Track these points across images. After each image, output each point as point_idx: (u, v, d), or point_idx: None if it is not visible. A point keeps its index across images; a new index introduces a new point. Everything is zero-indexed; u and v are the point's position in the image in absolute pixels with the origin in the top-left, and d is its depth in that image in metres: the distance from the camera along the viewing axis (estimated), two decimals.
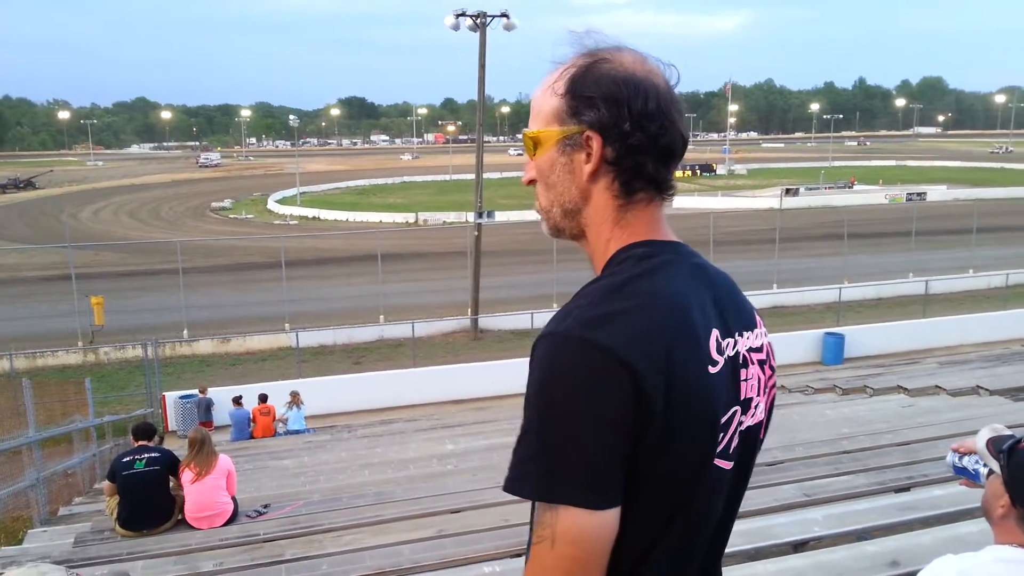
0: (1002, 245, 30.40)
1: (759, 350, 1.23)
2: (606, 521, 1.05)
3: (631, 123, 1.12)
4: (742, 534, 4.02)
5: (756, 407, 1.21)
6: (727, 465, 1.15)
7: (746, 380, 1.19)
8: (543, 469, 1.05)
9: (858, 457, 6.19)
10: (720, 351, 1.13)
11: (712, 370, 1.11)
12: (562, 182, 1.19)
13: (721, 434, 1.12)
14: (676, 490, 1.11)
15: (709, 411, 1.10)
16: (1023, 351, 15.31)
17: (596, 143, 1.14)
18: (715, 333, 1.13)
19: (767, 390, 1.26)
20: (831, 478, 5.57)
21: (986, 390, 10.11)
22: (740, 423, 1.17)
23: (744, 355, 1.19)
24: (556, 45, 1.17)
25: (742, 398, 1.17)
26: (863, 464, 5.88)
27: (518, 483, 1.06)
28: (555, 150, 1.18)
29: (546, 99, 1.18)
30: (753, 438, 1.22)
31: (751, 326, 1.23)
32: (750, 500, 4.83)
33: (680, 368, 1.06)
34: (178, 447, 9.05)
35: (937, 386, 10.85)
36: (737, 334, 1.19)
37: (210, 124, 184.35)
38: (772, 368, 1.28)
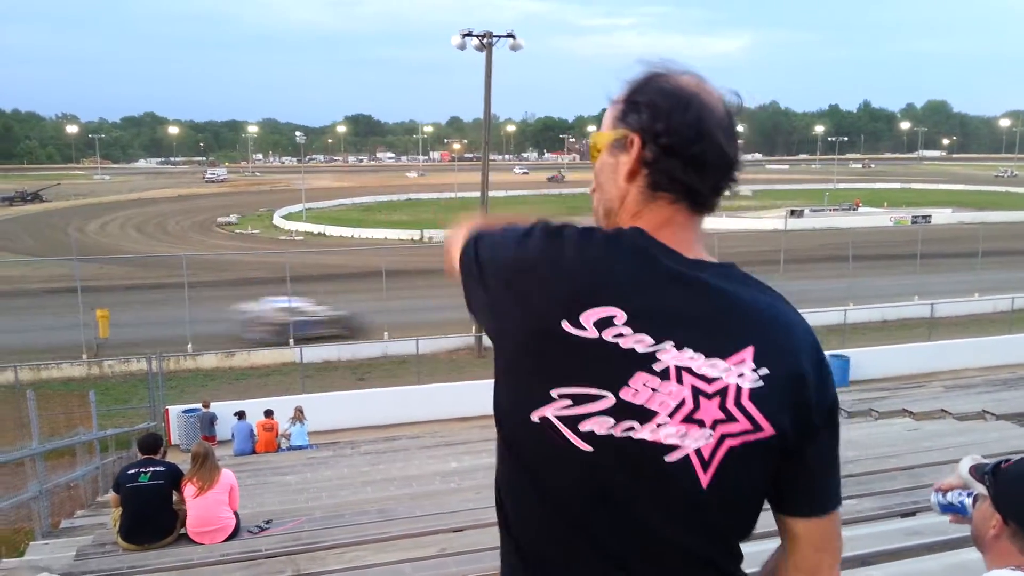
0: (1008, 269, 30.32)
1: (707, 380, 1.13)
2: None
3: (667, 127, 1.19)
4: (744, 557, 3.99)
5: (663, 428, 1.13)
6: (578, 442, 1.15)
7: (653, 390, 1.13)
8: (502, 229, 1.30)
9: (863, 481, 6.17)
10: (601, 327, 1.13)
11: (567, 327, 1.14)
12: (607, 183, 1.28)
13: (568, 401, 1.16)
14: (509, 416, 1.28)
15: (535, 350, 1.18)
16: None
17: (636, 144, 1.21)
18: (612, 311, 1.13)
19: (701, 428, 1.14)
20: None
21: (992, 414, 10.06)
22: (628, 426, 1.13)
23: (668, 367, 1.13)
24: (631, 66, 1.26)
25: (627, 399, 1.13)
26: (868, 488, 5.85)
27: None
28: (606, 153, 1.27)
29: (608, 108, 1.28)
30: (650, 457, 1.14)
31: (713, 353, 1.14)
32: None
33: (534, 296, 1.18)
34: (181, 461, 9.03)
35: (943, 410, 10.80)
36: (672, 344, 1.13)
37: (217, 140, 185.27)
38: (727, 413, 1.14)
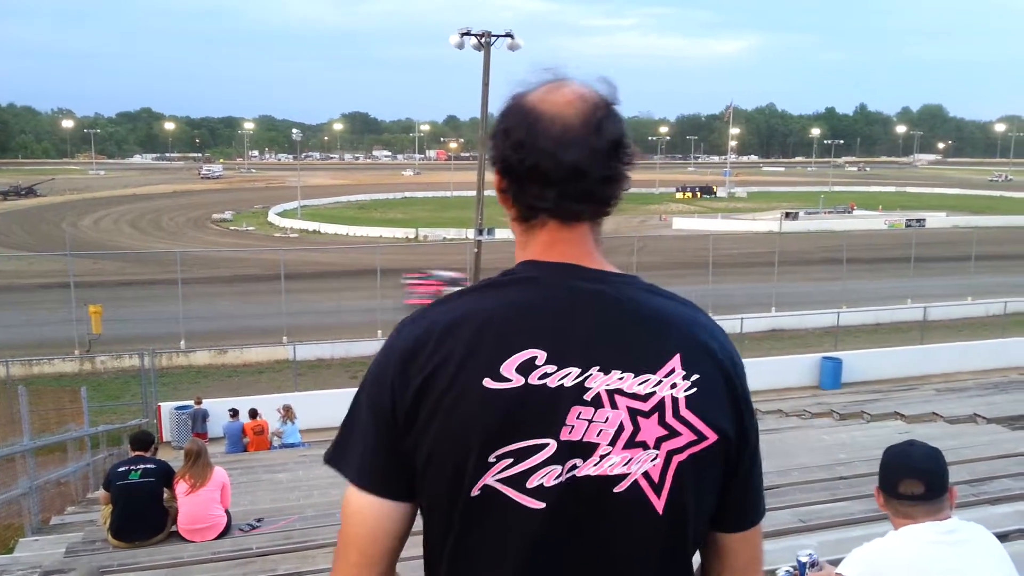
0: (1001, 273, 30.43)
1: (641, 398, 1.09)
2: (375, 509, 1.13)
3: (507, 149, 1.14)
4: None
5: (606, 459, 1.08)
6: (528, 502, 1.08)
7: (589, 421, 1.07)
8: (337, 439, 1.19)
9: (854, 483, 6.17)
10: (525, 372, 1.06)
11: (489, 384, 1.06)
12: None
13: (509, 460, 1.07)
14: (440, 504, 1.12)
15: (462, 421, 1.07)
16: (1021, 379, 15.31)
17: (497, 175, 1.18)
18: (531, 353, 1.07)
19: (646, 450, 1.09)
20: (827, 504, 5.55)
21: (983, 418, 10.10)
22: (571, 466, 1.07)
23: (599, 393, 1.08)
24: (523, 79, 1.18)
25: (566, 437, 1.07)
26: (859, 491, 5.85)
27: (328, 448, 1.21)
28: None
29: None
30: (597, 493, 1.08)
31: (642, 369, 1.09)
32: None
33: (442, 371, 1.08)
34: (172, 458, 9.02)
35: (934, 413, 10.84)
36: (598, 368, 1.08)
37: (213, 136, 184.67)
38: (668, 428, 1.09)
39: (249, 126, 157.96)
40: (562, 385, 1.07)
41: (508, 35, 21.84)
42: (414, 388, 1.09)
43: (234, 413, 14.47)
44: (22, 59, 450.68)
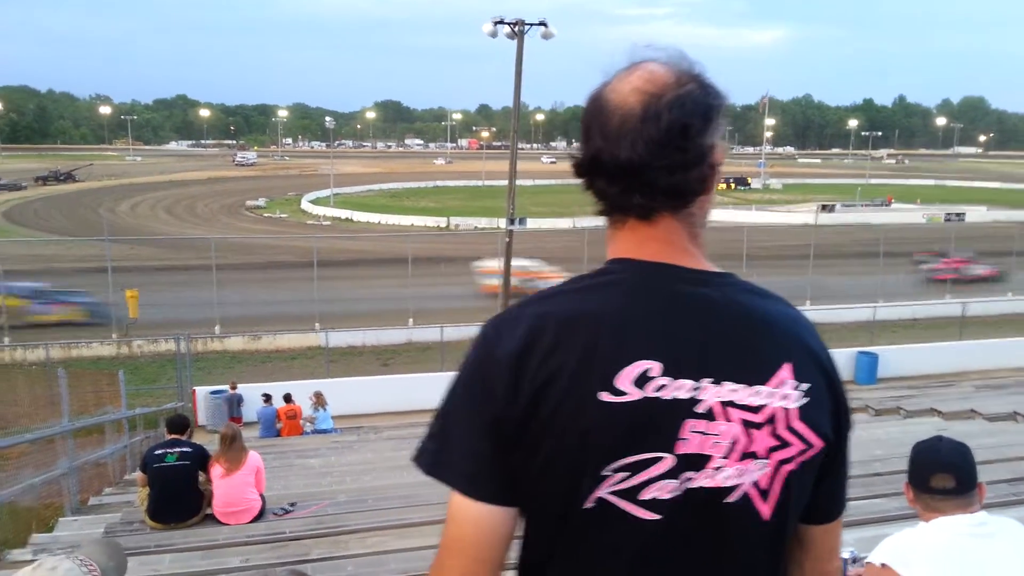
0: None
1: (754, 410, 1.08)
2: (486, 515, 1.09)
3: (581, 143, 1.13)
4: None
5: (721, 471, 1.07)
6: (643, 514, 1.07)
7: (703, 434, 1.06)
8: (433, 447, 1.14)
9: (890, 480, 6.08)
10: (641, 384, 1.04)
11: (606, 397, 1.04)
12: None
13: (625, 473, 1.05)
14: (549, 514, 1.10)
15: (577, 435, 1.04)
16: None
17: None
18: (645, 365, 1.05)
19: (756, 460, 1.08)
20: (862, 500, 5.48)
21: (1023, 416, 9.91)
22: (685, 478, 1.06)
23: (712, 406, 1.06)
24: (616, 57, 1.13)
25: (681, 450, 1.06)
26: (895, 487, 5.76)
27: (416, 455, 1.16)
28: None
29: None
30: (709, 504, 1.08)
31: (754, 380, 1.08)
32: None
33: (556, 383, 1.04)
34: (207, 442, 9.13)
35: (973, 410, 10.66)
36: (711, 380, 1.06)
37: (247, 123, 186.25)
38: (780, 439, 1.09)
39: (283, 114, 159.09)
40: (676, 398, 1.05)
41: (542, 24, 21.70)
42: (526, 399, 1.06)
43: (267, 398, 14.66)
44: (61, 46, 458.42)
